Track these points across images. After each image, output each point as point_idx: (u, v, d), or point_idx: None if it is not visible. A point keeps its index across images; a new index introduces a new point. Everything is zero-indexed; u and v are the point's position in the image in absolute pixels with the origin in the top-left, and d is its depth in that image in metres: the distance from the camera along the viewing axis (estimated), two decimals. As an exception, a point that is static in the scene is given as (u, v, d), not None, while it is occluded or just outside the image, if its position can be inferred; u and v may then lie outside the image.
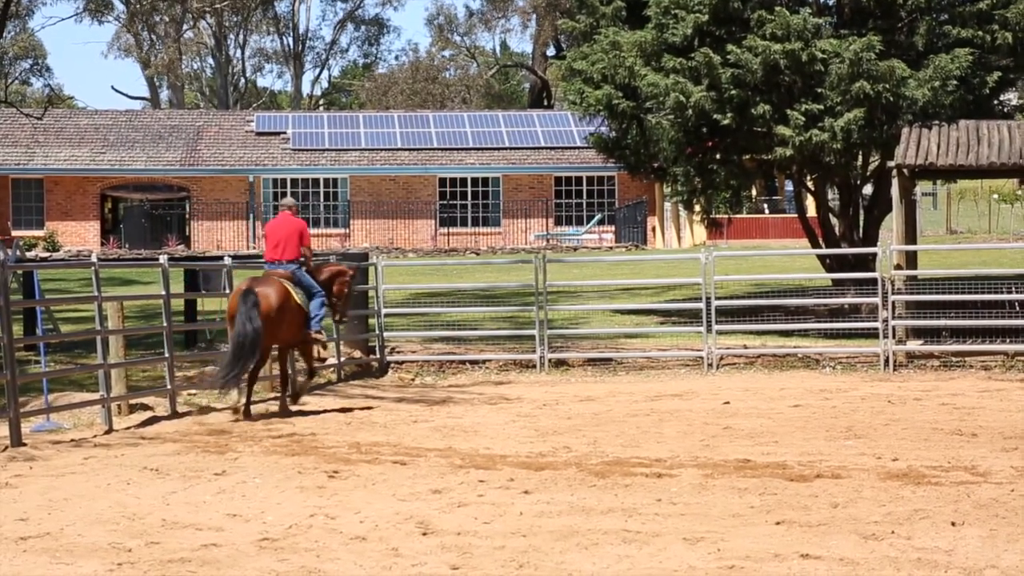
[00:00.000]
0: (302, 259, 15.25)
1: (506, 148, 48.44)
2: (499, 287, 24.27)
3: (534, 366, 19.63)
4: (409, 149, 48.18)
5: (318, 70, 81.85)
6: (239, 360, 14.26)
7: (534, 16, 70.29)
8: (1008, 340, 18.91)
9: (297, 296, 14.91)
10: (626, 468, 10.80)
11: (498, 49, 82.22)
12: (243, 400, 14.73)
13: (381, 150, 48.12)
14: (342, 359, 18.97)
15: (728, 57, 21.27)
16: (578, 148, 46.46)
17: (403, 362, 19.95)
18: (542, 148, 48.43)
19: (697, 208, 25.03)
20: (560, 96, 54.60)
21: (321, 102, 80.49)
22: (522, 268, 23.99)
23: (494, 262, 31.12)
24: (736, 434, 12.87)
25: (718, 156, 23.20)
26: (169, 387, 14.90)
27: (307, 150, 48.06)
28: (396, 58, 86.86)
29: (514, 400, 16.31)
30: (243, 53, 76.99)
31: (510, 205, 47.66)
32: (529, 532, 8.46)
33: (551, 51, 67.88)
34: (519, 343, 20.71)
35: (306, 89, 79.00)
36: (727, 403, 15.46)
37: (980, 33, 21.37)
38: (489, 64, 78.79)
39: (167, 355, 14.99)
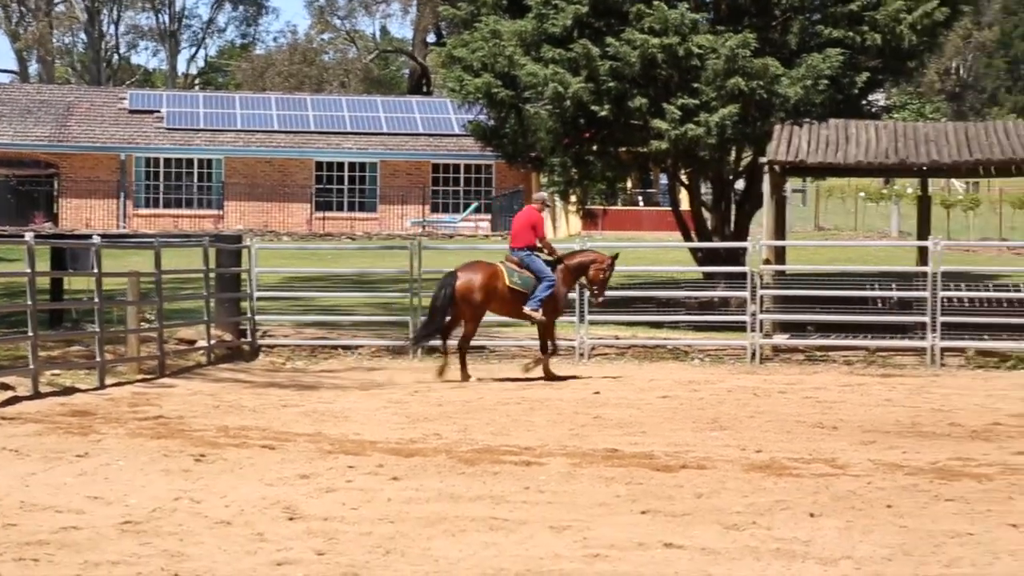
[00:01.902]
0: (532, 247, 17.14)
1: (384, 134, 48.24)
2: (374, 273, 24.17)
3: (407, 353, 19.60)
4: (286, 132, 47.75)
5: (194, 49, 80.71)
6: (429, 324, 17.06)
7: (415, 2, 70.07)
8: (870, 336, 19.34)
9: (511, 278, 16.97)
10: (495, 456, 10.84)
11: (378, 34, 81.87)
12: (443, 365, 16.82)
13: (257, 132, 47.62)
14: (212, 342, 18.75)
15: (607, 49, 21.45)
16: (456, 136, 46.40)
17: (274, 346, 19.79)
18: (420, 135, 48.32)
19: (573, 199, 25.22)
20: (440, 83, 54.55)
21: (197, 81, 79.35)
22: (397, 254, 23.91)
23: (370, 248, 31.00)
24: (605, 424, 12.98)
25: (595, 147, 23.39)
26: (32, 367, 14.59)
27: (181, 129, 47.35)
28: (274, 39, 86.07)
29: (386, 386, 16.27)
30: (117, 29, 75.58)
31: (387, 191, 47.47)
32: (397, 518, 8.45)
33: (432, 38, 67.77)
34: (393, 329, 20.67)
35: (181, 68, 77.84)
36: (597, 393, 15.59)
37: (851, 34, 21.84)
38: (369, 49, 78.36)
39: (31, 334, 14.67)
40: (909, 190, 40.52)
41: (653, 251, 29.66)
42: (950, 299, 19.51)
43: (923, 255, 20.16)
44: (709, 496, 9.28)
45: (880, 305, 20.45)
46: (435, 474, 10.03)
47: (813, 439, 12.04)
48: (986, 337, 19.00)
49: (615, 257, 17.69)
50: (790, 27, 22.36)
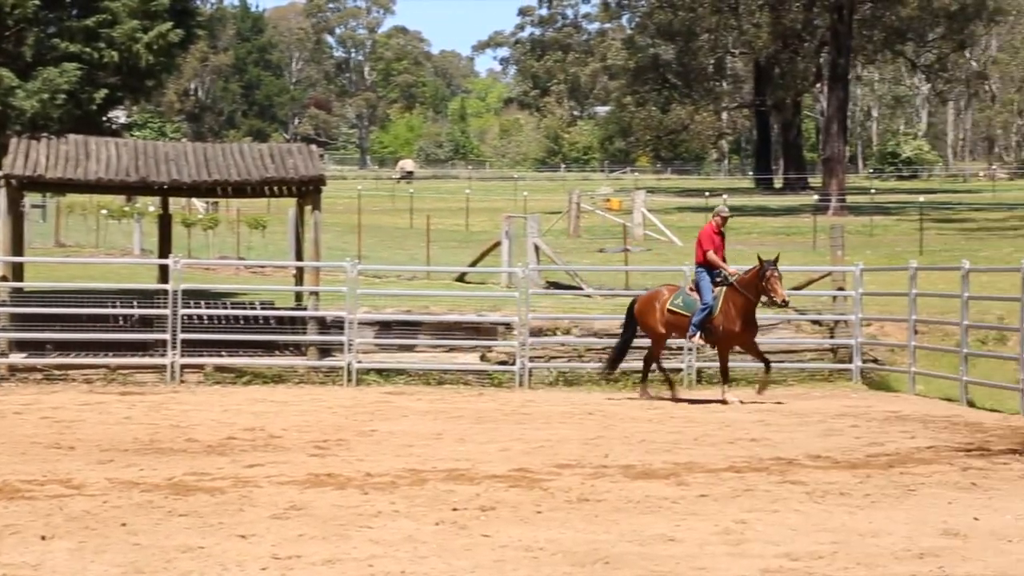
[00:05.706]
0: (702, 264, 16.84)
1: None
2: None
3: None
4: None
5: None
6: (617, 345, 17.75)
7: None
8: (110, 354, 19.25)
9: (674, 300, 17.06)
10: None
11: None
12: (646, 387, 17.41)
13: None
14: None
15: None
16: None
17: None
18: None
19: None
20: None
21: None
22: None
23: None
24: None
25: None
26: None
27: None
28: None
29: None
30: None
31: None
32: None
33: None
34: None
35: None
36: None
37: (88, 50, 21.69)
38: None
39: None
40: (151, 208, 40.86)
41: None
42: (190, 317, 19.89)
43: (164, 273, 20.36)
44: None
45: (122, 323, 20.43)
46: None
47: (49, 460, 11.82)
48: (224, 354, 19.55)
49: (773, 260, 16.73)
50: (25, 39, 21.78)
